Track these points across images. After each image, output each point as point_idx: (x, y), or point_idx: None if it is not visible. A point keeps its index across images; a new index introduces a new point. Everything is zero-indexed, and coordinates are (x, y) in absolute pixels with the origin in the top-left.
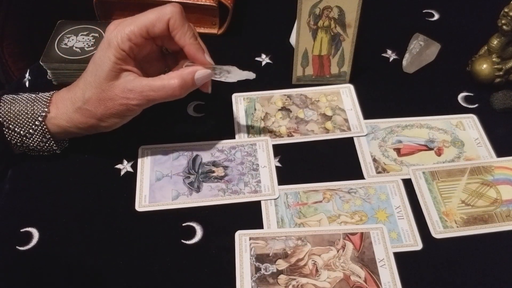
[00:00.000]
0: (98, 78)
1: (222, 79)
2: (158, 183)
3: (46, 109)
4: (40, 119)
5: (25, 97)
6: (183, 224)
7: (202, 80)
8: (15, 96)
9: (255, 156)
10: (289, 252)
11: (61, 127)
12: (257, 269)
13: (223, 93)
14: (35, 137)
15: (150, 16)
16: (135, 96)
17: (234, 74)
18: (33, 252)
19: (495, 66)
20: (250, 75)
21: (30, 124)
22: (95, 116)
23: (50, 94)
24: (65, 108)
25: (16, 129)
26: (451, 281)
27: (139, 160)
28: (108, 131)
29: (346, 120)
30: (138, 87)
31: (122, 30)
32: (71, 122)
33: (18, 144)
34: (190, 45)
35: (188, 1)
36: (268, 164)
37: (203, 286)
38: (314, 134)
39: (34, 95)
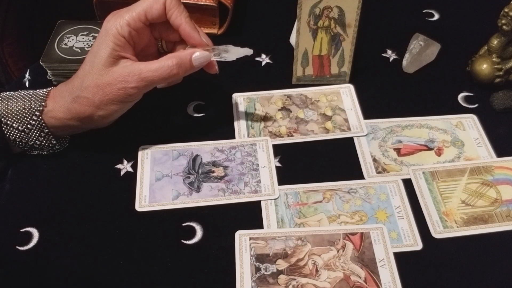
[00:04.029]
0: (96, 65)
1: (222, 59)
2: (158, 183)
3: (43, 104)
4: (37, 113)
5: (22, 94)
6: (183, 224)
7: (200, 61)
8: (13, 93)
9: (255, 156)
10: (289, 252)
11: (59, 120)
12: (257, 269)
13: (223, 93)
14: (33, 132)
15: (147, 0)
16: (133, 79)
17: (232, 53)
18: (33, 252)
19: (495, 66)
20: (248, 51)
21: (28, 119)
22: (93, 104)
23: (47, 90)
24: (63, 100)
25: (14, 124)
26: (451, 281)
27: (139, 160)
28: (108, 127)
29: (346, 120)
30: (136, 69)
31: (121, 17)
32: (68, 114)
33: (17, 140)
34: (186, 24)
35: (188, 1)
36: (268, 164)
37: (203, 286)
38: (314, 134)
39: (31, 92)
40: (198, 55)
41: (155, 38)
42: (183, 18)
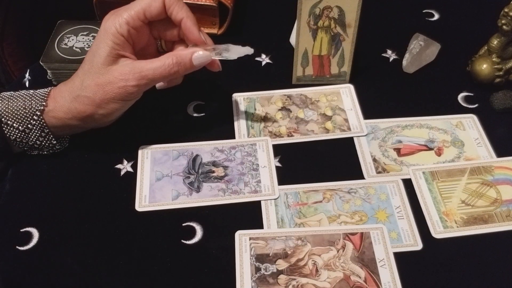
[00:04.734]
0: (96, 64)
1: (223, 58)
2: (158, 183)
3: (44, 103)
4: (38, 113)
5: (23, 94)
6: (183, 224)
7: (200, 60)
8: (13, 93)
9: (255, 156)
10: (289, 252)
11: (60, 120)
12: (257, 269)
13: (223, 93)
14: (34, 132)
15: None
16: (134, 77)
17: (233, 52)
18: (33, 252)
19: (495, 66)
20: (248, 50)
21: (29, 119)
22: (93, 103)
23: (48, 90)
24: (63, 100)
25: (14, 124)
26: (451, 281)
27: (139, 160)
28: (108, 126)
29: (346, 120)
30: (136, 67)
31: (120, 16)
32: (69, 113)
33: (18, 140)
34: (187, 19)
35: (188, 1)
36: (268, 164)
37: (203, 286)
38: (314, 134)
39: (32, 91)
40: (198, 55)
41: (154, 37)
42: (184, 12)
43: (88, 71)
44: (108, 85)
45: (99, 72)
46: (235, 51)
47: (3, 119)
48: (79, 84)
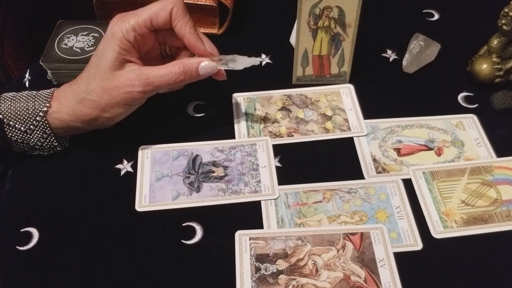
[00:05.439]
0: (102, 68)
1: (229, 68)
2: (158, 183)
3: (47, 104)
4: (41, 114)
5: (25, 94)
6: (183, 224)
7: (206, 70)
8: (15, 94)
9: (255, 156)
10: (289, 252)
11: (63, 121)
12: (257, 269)
13: (223, 93)
14: (36, 133)
15: (154, 7)
16: (140, 83)
17: (239, 63)
18: (33, 252)
19: (495, 66)
20: (255, 61)
21: (31, 120)
22: (99, 107)
23: (51, 91)
24: (67, 101)
25: (16, 125)
26: (451, 281)
27: (139, 160)
28: (109, 127)
29: (346, 120)
30: (143, 74)
31: (127, 21)
32: (73, 115)
33: (19, 141)
34: (190, 35)
35: (188, 1)
36: (268, 164)
37: (203, 286)
38: (314, 134)
39: (34, 92)
40: (205, 65)
41: (159, 42)
42: (187, 28)
43: (94, 75)
44: (114, 90)
45: (105, 76)
46: (242, 62)
47: (5, 120)
48: (84, 87)
